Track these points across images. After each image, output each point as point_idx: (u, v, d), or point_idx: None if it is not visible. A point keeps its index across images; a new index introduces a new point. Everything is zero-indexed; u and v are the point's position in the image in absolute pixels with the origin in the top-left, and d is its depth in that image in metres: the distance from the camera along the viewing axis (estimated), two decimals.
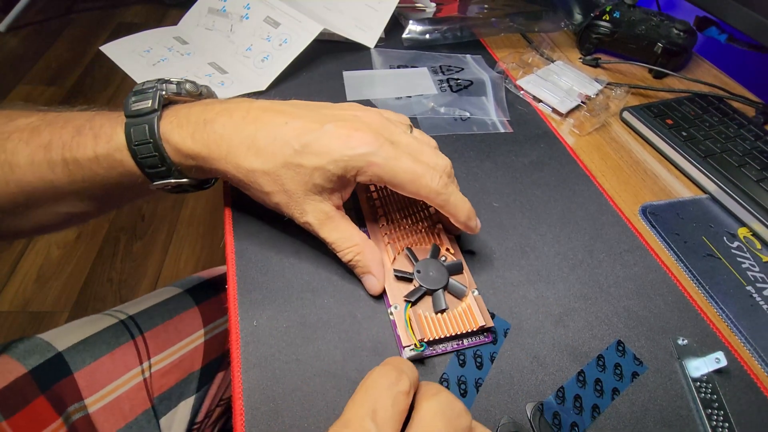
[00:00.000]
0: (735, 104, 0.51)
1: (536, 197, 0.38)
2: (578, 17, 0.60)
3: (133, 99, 0.27)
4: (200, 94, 0.30)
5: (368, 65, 0.50)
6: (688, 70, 0.60)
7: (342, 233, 0.28)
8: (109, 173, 0.28)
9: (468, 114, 0.46)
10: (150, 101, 0.27)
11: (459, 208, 0.27)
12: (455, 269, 0.30)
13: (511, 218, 0.36)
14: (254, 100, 0.28)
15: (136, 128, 0.26)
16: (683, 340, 0.30)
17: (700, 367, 0.28)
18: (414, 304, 0.28)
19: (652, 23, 0.56)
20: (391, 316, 0.28)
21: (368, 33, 0.53)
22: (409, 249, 0.30)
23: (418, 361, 0.27)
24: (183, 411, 0.43)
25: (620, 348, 0.29)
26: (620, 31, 0.56)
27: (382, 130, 0.27)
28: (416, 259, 0.29)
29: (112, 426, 0.39)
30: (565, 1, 0.61)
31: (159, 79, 0.28)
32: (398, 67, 0.51)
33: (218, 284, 0.52)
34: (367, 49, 0.53)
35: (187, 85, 0.28)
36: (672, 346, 0.29)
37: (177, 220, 1.23)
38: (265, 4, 0.49)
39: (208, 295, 0.50)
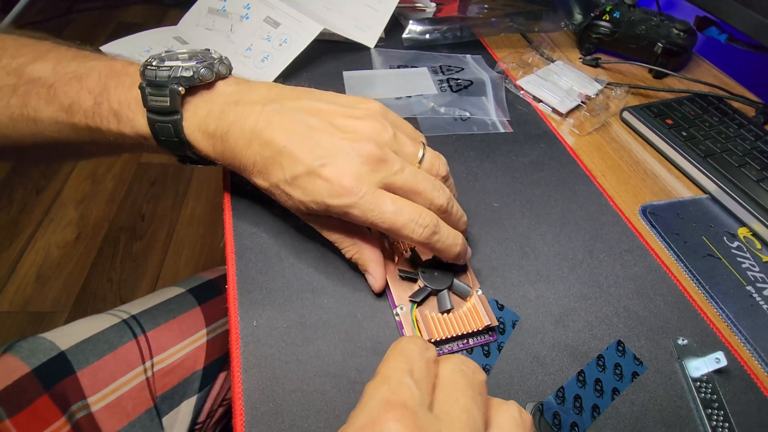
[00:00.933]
0: (735, 104, 0.51)
1: (536, 197, 0.38)
2: (578, 17, 0.60)
3: (149, 91, 0.26)
4: (215, 77, 0.28)
5: (368, 65, 0.50)
6: (688, 70, 0.60)
7: (341, 233, 0.29)
8: (138, 147, 0.29)
9: (468, 114, 0.46)
10: (168, 100, 0.26)
11: (445, 253, 0.27)
12: (459, 269, 0.30)
13: (511, 218, 0.36)
14: (267, 99, 0.27)
15: (160, 125, 0.26)
16: (683, 340, 0.30)
17: (700, 367, 0.28)
18: (420, 304, 0.28)
19: (652, 23, 0.56)
20: (396, 317, 0.28)
21: (368, 33, 0.53)
22: (413, 249, 0.30)
23: None
24: (185, 410, 0.43)
25: (620, 348, 0.29)
26: (620, 31, 0.56)
27: (373, 172, 0.25)
28: (420, 260, 0.29)
29: (115, 424, 0.39)
30: (565, 1, 0.61)
31: (171, 67, 0.26)
32: (398, 67, 0.51)
33: (221, 284, 0.52)
34: (367, 49, 0.53)
35: (202, 71, 0.27)
36: (672, 346, 0.29)
37: (177, 220, 1.23)
38: (265, 4, 0.49)
39: (211, 294, 0.50)
